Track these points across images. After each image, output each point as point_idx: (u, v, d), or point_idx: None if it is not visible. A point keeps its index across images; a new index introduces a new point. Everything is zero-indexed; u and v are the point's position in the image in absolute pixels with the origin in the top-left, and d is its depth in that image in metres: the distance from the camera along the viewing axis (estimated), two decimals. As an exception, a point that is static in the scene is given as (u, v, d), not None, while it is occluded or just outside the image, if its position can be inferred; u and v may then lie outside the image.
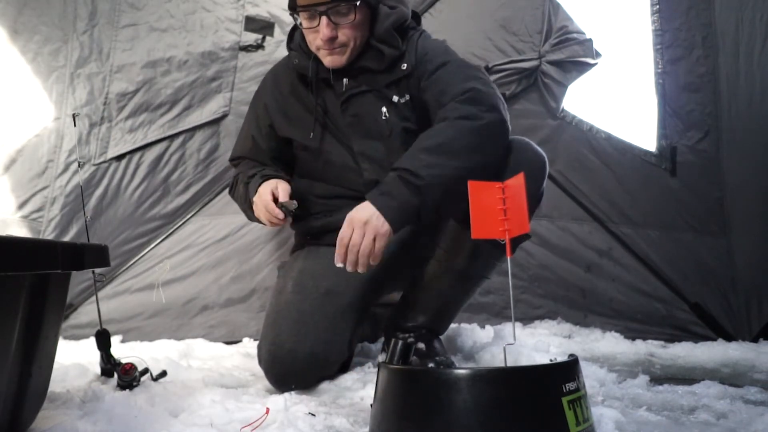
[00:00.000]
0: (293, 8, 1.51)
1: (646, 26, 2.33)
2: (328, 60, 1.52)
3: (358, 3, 1.45)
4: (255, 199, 1.52)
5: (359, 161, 1.57)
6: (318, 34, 1.47)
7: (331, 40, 1.47)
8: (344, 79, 1.56)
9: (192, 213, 2.27)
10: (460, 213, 1.33)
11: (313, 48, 1.54)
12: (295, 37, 1.63)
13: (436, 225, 1.58)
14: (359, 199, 1.36)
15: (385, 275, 1.62)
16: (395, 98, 1.54)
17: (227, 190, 2.22)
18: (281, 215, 1.44)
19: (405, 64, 1.53)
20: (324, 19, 1.45)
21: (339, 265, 1.30)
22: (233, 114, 2.27)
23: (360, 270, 1.30)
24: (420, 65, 1.53)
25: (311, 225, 1.66)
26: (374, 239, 1.27)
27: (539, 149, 1.51)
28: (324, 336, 1.48)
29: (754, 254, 2.24)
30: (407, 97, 1.54)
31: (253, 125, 1.74)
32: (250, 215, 1.63)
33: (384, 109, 1.54)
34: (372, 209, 1.28)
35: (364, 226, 1.27)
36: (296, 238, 1.78)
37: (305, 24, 1.51)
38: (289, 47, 1.64)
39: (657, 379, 1.54)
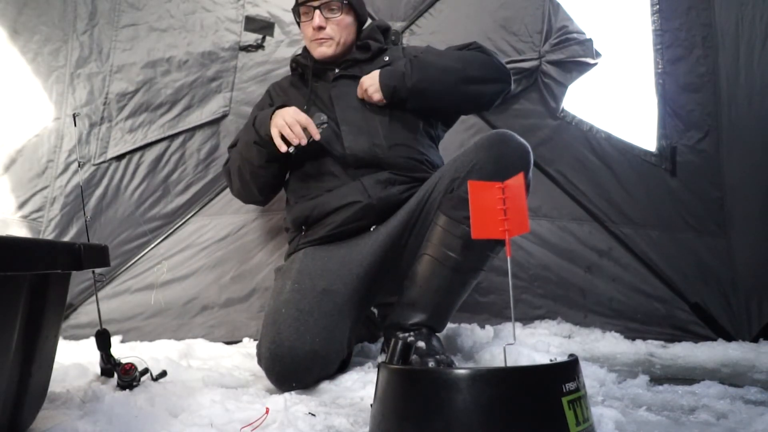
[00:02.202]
0: (295, 5, 1.82)
1: (646, 26, 2.33)
2: (318, 51, 1.80)
3: (345, 2, 1.77)
4: (278, 113, 1.63)
5: (340, 125, 1.73)
6: (311, 25, 1.77)
7: (320, 29, 1.76)
8: (336, 69, 1.81)
9: (192, 213, 2.27)
10: (435, 102, 1.76)
11: (307, 42, 1.83)
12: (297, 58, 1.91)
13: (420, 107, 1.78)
14: (344, 180, 1.68)
15: (379, 272, 1.65)
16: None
17: (226, 189, 2.24)
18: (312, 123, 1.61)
19: (387, 57, 1.82)
20: (317, 12, 1.76)
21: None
22: (233, 114, 2.27)
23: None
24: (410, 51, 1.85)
25: (304, 208, 1.71)
26: (371, 99, 1.72)
27: (521, 140, 1.55)
28: (323, 333, 1.50)
29: (754, 254, 2.24)
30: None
31: (257, 111, 1.85)
32: (260, 149, 1.68)
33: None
34: (375, 76, 1.71)
35: (364, 90, 1.72)
36: (290, 239, 1.80)
37: (302, 18, 1.81)
38: (292, 60, 1.92)
39: (657, 379, 1.54)
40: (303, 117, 1.60)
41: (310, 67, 1.81)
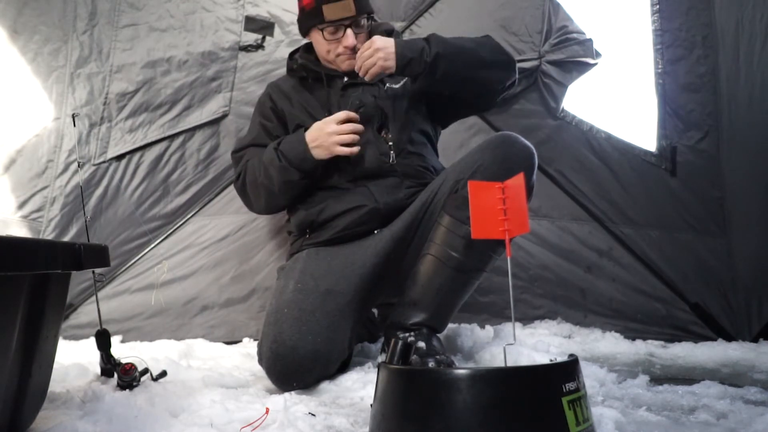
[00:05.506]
0: (319, 23, 1.70)
1: (646, 26, 2.33)
2: (347, 64, 1.74)
3: (371, 16, 1.76)
4: (317, 125, 1.64)
5: None
6: (340, 44, 1.72)
7: (354, 47, 1.70)
8: (344, 78, 1.77)
9: (192, 213, 2.27)
10: (456, 84, 1.69)
11: (330, 57, 1.75)
12: (295, 57, 1.84)
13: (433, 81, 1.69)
14: (351, 189, 1.67)
15: (383, 273, 1.65)
16: (387, 85, 1.77)
17: (230, 186, 2.23)
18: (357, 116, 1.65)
19: None
20: (350, 30, 1.70)
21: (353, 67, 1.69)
22: (233, 114, 2.27)
23: (361, 73, 1.64)
24: None
25: (310, 213, 1.70)
26: (377, 63, 1.61)
27: (527, 142, 1.55)
28: (325, 333, 1.50)
29: (754, 254, 2.24)
30: (403, 80, 1.77)
31: (260, 118, 1.83)
32: (293, 170, 1.64)
33: (373, 96, 1.75)
34: (391, 43, 1.62)
35: (376, 50, 1.60)
36: (293, 241, 1.80)
37: (328, 37, 1.73)
38: (291, 61, 1.85)
39: (657, 379, 1.54)
40: (341, 116, 1.63)
41: (324, 77, 1.77)
